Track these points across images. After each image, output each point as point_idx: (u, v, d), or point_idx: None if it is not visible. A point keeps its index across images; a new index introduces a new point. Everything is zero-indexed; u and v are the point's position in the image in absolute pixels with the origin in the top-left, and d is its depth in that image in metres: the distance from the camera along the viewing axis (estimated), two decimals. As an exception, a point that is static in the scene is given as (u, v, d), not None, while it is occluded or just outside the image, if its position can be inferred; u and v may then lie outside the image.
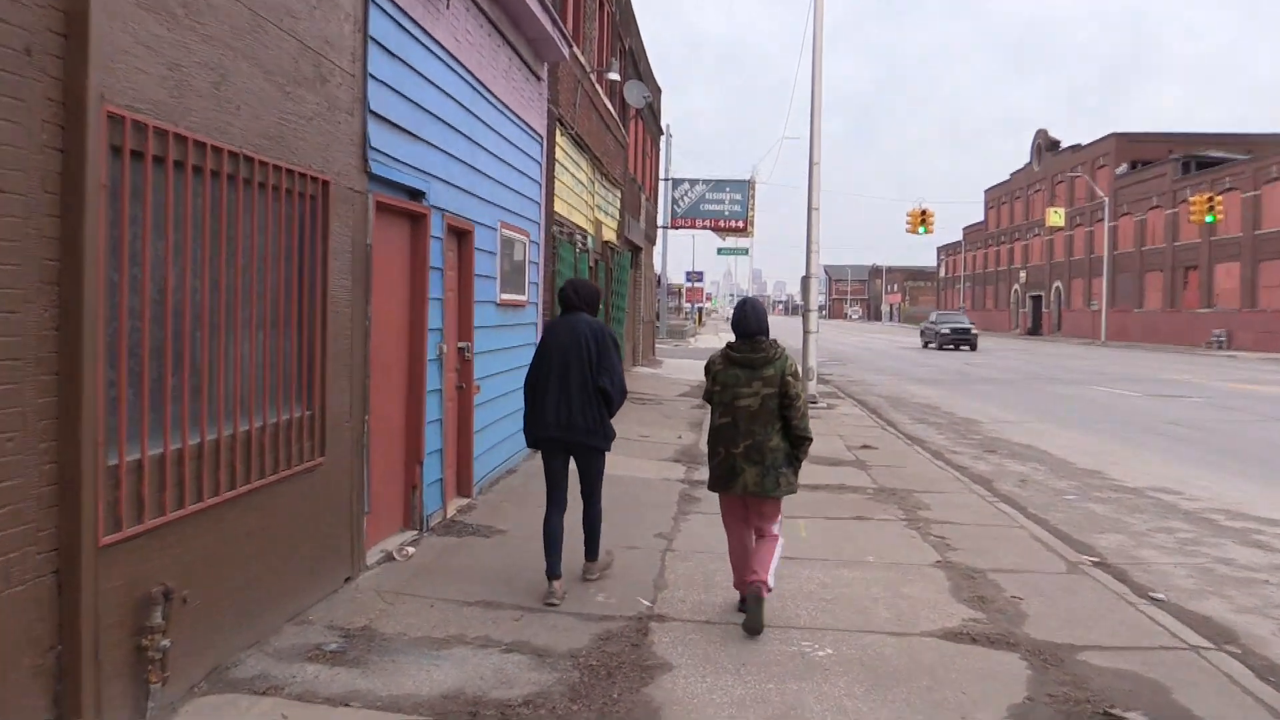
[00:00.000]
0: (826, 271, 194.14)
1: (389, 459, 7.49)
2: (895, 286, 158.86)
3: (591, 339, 6.32)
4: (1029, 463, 13.95)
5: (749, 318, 6.16)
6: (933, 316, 56.37)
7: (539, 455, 8.93)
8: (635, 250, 25.62)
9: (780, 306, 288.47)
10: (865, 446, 14.52)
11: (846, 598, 6.74)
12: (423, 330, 7.84)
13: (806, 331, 21.07)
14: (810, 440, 6.01)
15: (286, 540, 5.75)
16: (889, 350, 51.05)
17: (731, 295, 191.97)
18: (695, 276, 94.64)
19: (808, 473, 11.81)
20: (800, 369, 10.60)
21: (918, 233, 39.24)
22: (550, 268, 12.43)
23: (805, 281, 21.64)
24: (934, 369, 35.09)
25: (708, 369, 6.21)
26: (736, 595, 6.54)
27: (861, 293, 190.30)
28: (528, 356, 11.30)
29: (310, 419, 5.98)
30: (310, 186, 5.89)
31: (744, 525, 6.30)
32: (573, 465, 7.67)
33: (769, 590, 5.97)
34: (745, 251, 69.62)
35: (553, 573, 6.41)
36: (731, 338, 7.34)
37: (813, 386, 20.63)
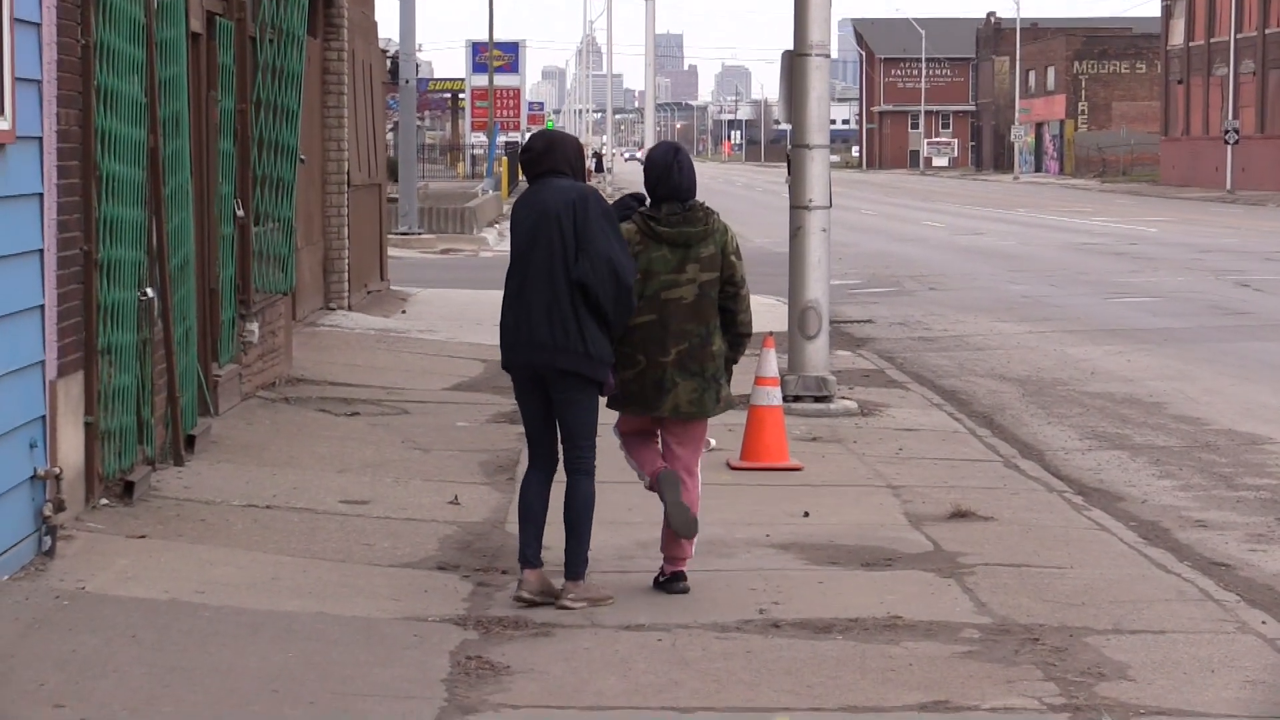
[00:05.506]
0: (858, 38, 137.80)
1: None
2: (1050, 75, 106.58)
3: (566, 213, 7.68)
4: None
5: (679, 171, 7.86)
6: None
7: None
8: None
9: (734, 138, 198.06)
10: (959, 514, 11.58)
11: None
12: None
13: (799, 205, 14.71)
14: (750, 337, 8.15)
15: None
16: (1032, 253, 40.34)
17: (600, 111, 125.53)
18: (498, 57, 62.13)
19: (803, 590, 9.73)
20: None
21: None
22: (80, 37, 10.16)
23: (794, 64, 15.09)
24: (1153, 301, 28.36)
25: None
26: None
27: (956, 96, 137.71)
28: (17, 283, 9.05)
29: None
30: None
31: (653, 455, 8.09)
32: None
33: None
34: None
35: (525, 558, 7.82)
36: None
37: (820, 357, 15.43)
